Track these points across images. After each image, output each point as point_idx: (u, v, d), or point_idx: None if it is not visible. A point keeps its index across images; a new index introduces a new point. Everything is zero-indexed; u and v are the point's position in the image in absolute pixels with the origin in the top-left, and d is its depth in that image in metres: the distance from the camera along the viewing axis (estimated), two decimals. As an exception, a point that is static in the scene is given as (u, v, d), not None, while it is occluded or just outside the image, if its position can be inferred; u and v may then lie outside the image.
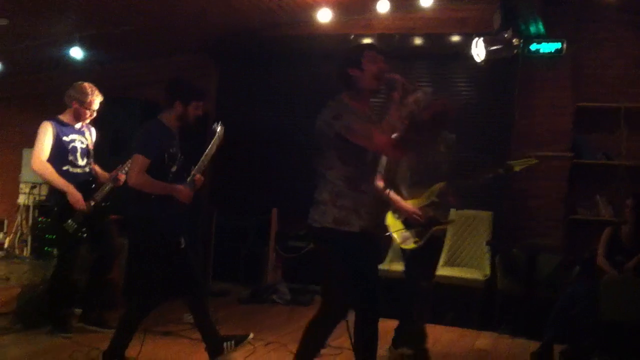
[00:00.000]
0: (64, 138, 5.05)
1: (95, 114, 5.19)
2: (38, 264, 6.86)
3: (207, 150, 4.54)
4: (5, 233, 7.93)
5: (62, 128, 5.07)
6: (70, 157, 5.07)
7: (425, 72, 7.37)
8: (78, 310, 5.39)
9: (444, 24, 7.07)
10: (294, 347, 4.66)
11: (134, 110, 6.98)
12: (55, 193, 5.01)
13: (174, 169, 4.29)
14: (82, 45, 7.18)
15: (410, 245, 4.52)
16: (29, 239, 7.81)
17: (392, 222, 4.60)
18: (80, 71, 7.60)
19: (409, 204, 4.50)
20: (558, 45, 6.40)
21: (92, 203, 5.03)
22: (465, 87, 7.23)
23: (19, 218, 8.25)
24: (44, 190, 8.24)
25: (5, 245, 7.62)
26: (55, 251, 7.18)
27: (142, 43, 7.70)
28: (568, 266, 6.00)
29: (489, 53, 6.24)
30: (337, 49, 7.41)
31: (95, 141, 5.35)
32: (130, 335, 4.22)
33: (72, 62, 7.36)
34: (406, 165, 4.54)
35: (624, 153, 6.47)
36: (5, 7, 6.36)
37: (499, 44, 6.22)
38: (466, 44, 6.44)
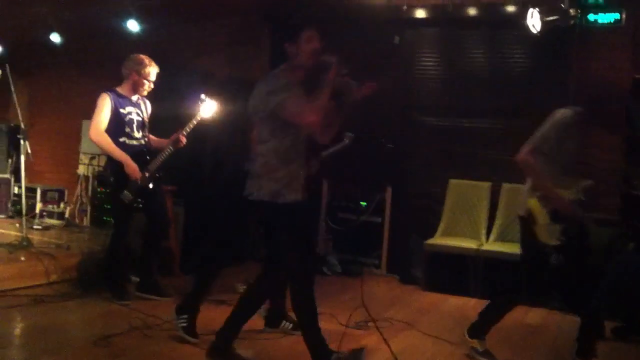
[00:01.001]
0: (121, 110, 5.17)
1: (152, 85, 5.29)
2: (97, 233, 7.11)
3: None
4: (65, 203, 8.17)
5: (120, 100, 5.19)
6: (127, 129, 5.19)
7: (479, 42, 7.24)
8: (135, 279, 5.56)
9: (499, -7, 6.92)
10: (343, 318, 4.79)
11: (191, 79, 6.97)
12: (112, 164, 5.15)
13: None
14: (137, 15, 7.29)
15: (553, 242, 4.05)
16: (89, 208, 8.04)
17: (538, 210, 4.05)
18: (137, 40, 7.75)
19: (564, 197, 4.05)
20: (617, 15, 6.19)
21: (147, 174, 5.16)
22: (520, 57, 7.07)
23: (78, 188, 8.50)
24: (103, 161, 8.48)
25: (66, 215, 7.86)
26: (112, 220, 7.46)
27: (194, 9, 7.73)
28: (623, 240, 5.88)
29: (544, 23, 6.09)
30: (389, 19, 7.41)
31: (151, 113, 5.47)
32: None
33: (130, 32, 7.50)
34: (565, 148, 4.08)
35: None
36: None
37: (556, 14, 6.08)
38: (521, 14, 6.30)
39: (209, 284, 4.47)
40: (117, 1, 7.19)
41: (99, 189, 7.88)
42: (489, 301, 4.40)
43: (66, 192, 8.37)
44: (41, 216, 7.71)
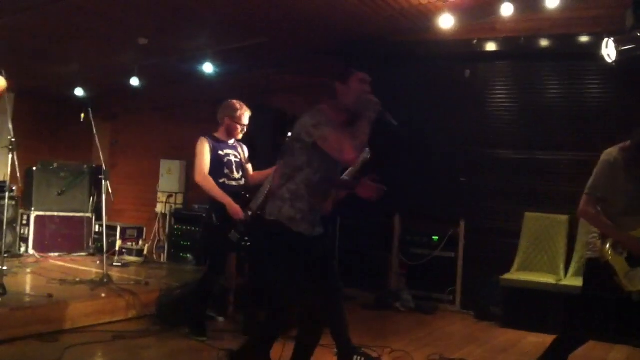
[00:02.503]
0: (219, 152, 5.36)
1: (245, 129, 5.47)
2: (175, 269, 7.28)
3: None
4: (144, 240, 8.41)
5: (217, 143, 5.39)
6: (226, 171, 5.34)
7: (554, 73, 7.13)
8: (220, 318, 5.75)
9: (571, 24, 6.82)
10: (419, 356, 4.73)
11: (266, 118, 7.14)
12: (216, 206, 5.26)
13: None
14: (215, 59, 7.55)
15: (638, 287, 3.86)
16: (166, 245, 8.24)
17: (615, 258, 3.91)
18: (213, 83, 8.01)
19: (636, 238, 3.90)
20: (697, 42, 6.01)
21: (249, 212, 5.27)
22: (596, 88, 6.93)
23: (156, 226, 8.74)
24: (180, 199, 8.72)
25: (144, 252, 8.07)
26: (189, 257, 7.63)
27: (271, 52, 7.95)
28: None
29: (620, 53, 5.96)
30: (460, 54, 7.41)
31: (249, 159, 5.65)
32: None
33: (205, 75, 7.76)
34: (623, 188, 3.97)
35: None
36: (145, 27, 6.81)
37: (632, 44, 5.94)
38: (596, 44, 6.19)
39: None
40: (194, 48, 7.48)
41: (175, 226, 8.10)
42: (555, 337, 4.23)
43: (144, 230, 8.62)
44: (120, 253, 7.94)
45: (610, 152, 3.99)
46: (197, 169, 5.27)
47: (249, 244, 5.30)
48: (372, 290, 7.35)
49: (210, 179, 5.24)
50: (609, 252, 3.89)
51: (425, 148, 7.45)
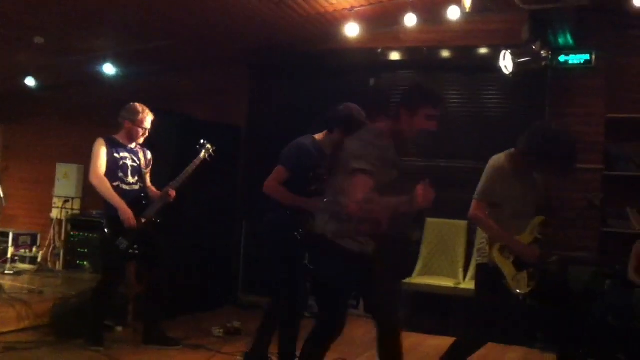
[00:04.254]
0: (115, 155, 5.21)
1: (147, 133, 5.33)
2: (71, 277, 7.00)
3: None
4: (38, 247, 8.06)
5: (115, 146, 5.24)
6: (120, 174, 5.20)
7: (455, 85, 7.35)
8: (118, 328, 5.60)
9: (472, 36, 7.04)
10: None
11: (169, 123, 6.84)
12: (109, 209, 5.11)
13: (312, 187, 4.26)
14: (117, 60, 7.33)
15: (525, 289, 4.00)
16: (62, 252, 7.92)
17: (502, 262, 4.02)
18: (115, 85, 7.76)
19: (522, 242, 4.05)
20: (587, 56, 6.36)
21: (143, 220, 5.12)
22: (495, 98, 7.20)
23: (51, 232, 8.38)
24: (77, 205, 8.39)
25: (39, 259, 7.73)
26: (87, 264, 7.37)
27: (177, 56, 7.80)
28: (601, 279, 5.92)
29: (517, 65, 6.21)
30: (365, 63, 7.51)
31: (152, 163, 5.49)
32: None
33: (107, 77, 7.51)
34: (511, 194, 4.07)
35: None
36: (41, 26, 6.52)
37: (528, 56, 6.21)
38: (495, 56, 6.42)
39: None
40: (95, 49, 7.22)
41: (71, 233, 7.79)
42: (454, 340, 4.34)
43: (39, 237, 8.25)
44: (13, 261, 7.57)
45: (498, 159, 4.14)
46: (92, 169, 5.11)
47: (137, 252, 5.14)
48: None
49: (106, 181, 5.09)
50: (497, 257, 4.00)
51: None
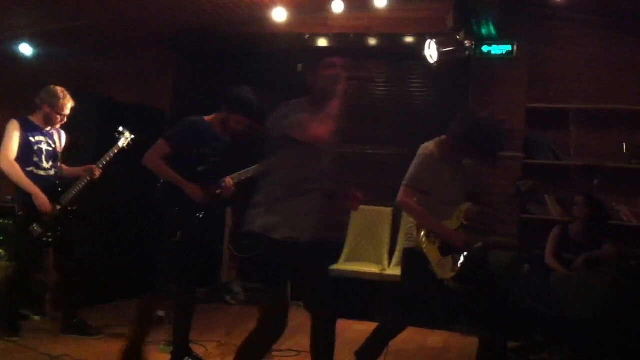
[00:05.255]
0: (30, 139, 4.98)
1: (65, 119, 5.12)
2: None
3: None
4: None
5: (30, 128, 5.00)
6: (35, 159, 4.98)
7: (380, 72, 7.41)
8: (36, 317, 5.44)
9: (399, 24, 7.09)
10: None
11: (89, 105, 6.54)
12: (21, 195, 4.92)
13: (200, 168, 4.32)
14: (35, 41, 7.04)
15: (449, 274, 4.08)
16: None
17: (428, 247, 4.07)
18: (34, 66, 7.44)
19: (450, 228, 4.11)
20: (509, 47, 6.50)
21: (58, 207, 4.94)
22: (419, 86, 7.30)
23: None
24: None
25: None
26: (3, 252, 7.08)
27: (98, 37, 7.53)
28: (520, 263, 6.10)
29: (441, 54, 6.30)
30: (293, 48, 7.46)
31: (65, 145, 5.28)
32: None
33: (25, 57, 7.21)
34: (440, 181, 4.13)
35: (573, 153, 6.60)
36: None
37: (452, 46, 6.30)
38: (420, 45, 6.47)
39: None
40: (9, 27, 6.89)
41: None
42: (377, 325, 4.39)
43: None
44: None
45: (427, 147, 4.19)
46: (3, 154, 4.88)
47: (50, 240, 4.98)
48: (202, 284, 7.21)
49: (17, 165, 4.87)
50: (423, 242, 4.05)
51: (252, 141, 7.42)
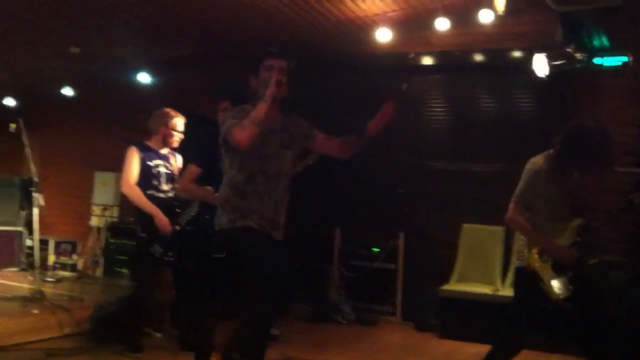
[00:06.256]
0: (148, 163, 5.20)
1: (182, 136, 5.35)
2: (110, 284, 7.10)
3: None
4: (78, 254, 8.19)
5: (147, 153, 5.23)
6: (154, 182, 5.19)
7: (487, 87, 7.31)
8: (158, 334, 5.59)
9: (504, 39, 7.00)
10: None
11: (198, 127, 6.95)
12: (142, 217, 5.11)
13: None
14: (150, 68, 7.41)
15: (563, 294, 3.89)
16: (101, 259, 8.04)
17: (540, 266, 3.93)
18: (147, 92, 7.83)
19: (560, 245, 3.96)
20: (625, 58, 6.24)
21: (177, 228, 5.15)
22: (527, 100, 7.15)
23: (91, 239, 8.51)
24: (116, 212, 8.52)
25: (79, 267, 7.86)
26: (125, 271, 7.45)
27: (213, 61, 7.85)
28: (632, 283, 5.82)
29: (551, 67, 6.15)
30: (397, 67, 7.49)
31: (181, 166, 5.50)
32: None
33: (140, 84, 7.60)
34: (547, 195, 4.02)
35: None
36: (77, 35, 6.64)
37: (562, 59, 6.13)
38: (527, 58, 6.35)
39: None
40: (128, 57, 7.32)
41: (110, 240, 7.91)
42: (490, 347, 4.30)
43: (79, 244, 8.38)
44: (54, 268, 7.71)
45: (535, 161, 4.09)
46: (124, 178, 5.11)
47: (171, 259, 5.18)
48: (309, 303, 7.32)
49: (137, 190, 5.08)
50: (535, 260, 3.94)
51: (363, 160, 7.48)
